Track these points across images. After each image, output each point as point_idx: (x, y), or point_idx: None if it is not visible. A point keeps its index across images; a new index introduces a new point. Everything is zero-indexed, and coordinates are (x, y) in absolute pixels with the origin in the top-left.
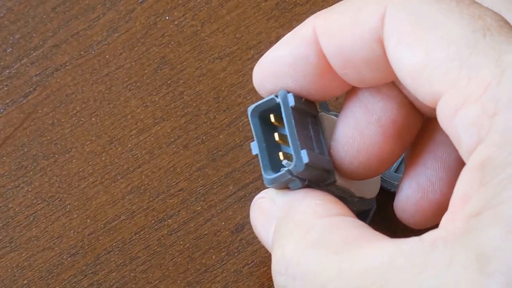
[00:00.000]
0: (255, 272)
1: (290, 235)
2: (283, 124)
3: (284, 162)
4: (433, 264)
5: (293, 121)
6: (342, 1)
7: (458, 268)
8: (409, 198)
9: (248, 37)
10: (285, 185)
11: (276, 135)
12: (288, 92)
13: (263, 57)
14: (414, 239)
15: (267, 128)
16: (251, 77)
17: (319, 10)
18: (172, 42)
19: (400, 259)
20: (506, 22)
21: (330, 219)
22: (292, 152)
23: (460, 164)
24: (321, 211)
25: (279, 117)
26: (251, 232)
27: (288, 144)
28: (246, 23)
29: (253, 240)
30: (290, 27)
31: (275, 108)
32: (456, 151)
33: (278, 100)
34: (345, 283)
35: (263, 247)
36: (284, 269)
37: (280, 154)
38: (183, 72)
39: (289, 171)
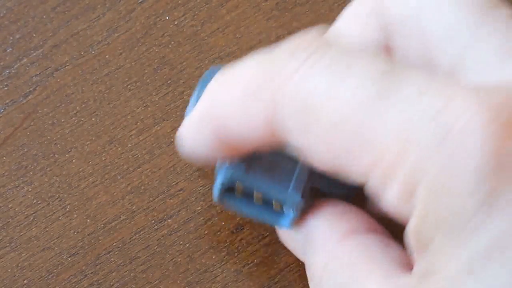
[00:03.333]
0: (255, 272)
1: (315, 266)
2: (253, 187)
3: (285, 210)
4: None
5: (260, 178)
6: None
7: None
8: None
9: (248, 37)
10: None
11: (255, 199)
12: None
13: None
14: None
15: (243, 198)
16: None
17: (319, 10)
18: (172, 42)
19: None
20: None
21: (344, 243)
22: (282, 201)
23: None
24: (336, 232)
25: (243, 185)
26: (251, 232)
27: (271, 197)
28: (246, 23)
29: (253, 240)
30: (290, 27)
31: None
32: None
33: (231, 170)
34: None
35: (263, 247)
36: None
37: (273, 204)
38: (183, 72)
39: (295, 211)
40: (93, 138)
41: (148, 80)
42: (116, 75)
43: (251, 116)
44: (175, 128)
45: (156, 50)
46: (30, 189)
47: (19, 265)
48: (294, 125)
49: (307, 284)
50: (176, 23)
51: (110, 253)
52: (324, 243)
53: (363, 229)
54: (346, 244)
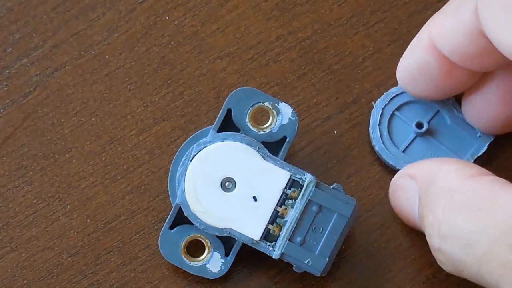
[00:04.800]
0: (255, 271)
1: (438, 200)
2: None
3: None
4: None
5: None
6: (448, 2)
7: None
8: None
9: (248, 37)
10: None
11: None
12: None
13: (399, 64)
14: None
15: None
16: (251, 77)
17: (319, 10)
18: (172, 42)
19: None
20: None
21: (472, 181)
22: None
23: None
24: (462, 174)
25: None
26: None
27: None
28: (246, 23)
29: None
30: (290, 27)
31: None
32: None
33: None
34: (490, 238)
35: None
36: (436, 231)
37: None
38: (183, 72)
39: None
40: (93, 138)
41: (148, 80)
42: (116, 75)
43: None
44: (175, 128)
45: (156, 50)
46: (30, 189)
47: (19, 265)
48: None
49: (307, 284)
50: (176, 23)
51: (110, 253)
52: (449, 183)
53: (487, 173)
54: (473, 182)
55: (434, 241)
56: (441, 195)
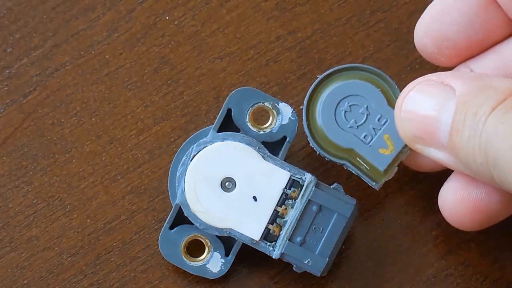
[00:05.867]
0: (255, 271)
1: (487, 100)
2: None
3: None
4: None
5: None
6: None
7: None
8: None
9: (248, 37)
10: None
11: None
12: None
13: (426, 12)
14: None
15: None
16: (251, 77)
17: (319, 10)
18: (172, 42)
19: None
20: None
21: None
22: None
23: None
24: None
25: None
26: None
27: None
28: (246, 23)
29: None
30: (290, 27)
31: None
32: None
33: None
34: None
35: None
36: (474, 130)
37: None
38: (183, 72)
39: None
40: (93, 138)
41: (148, 80)
42: (116, 75)
43: None
44: (175, 128)
45: (156, 50)
46: (30, 189)
47: (19, 265)
48: None
49: (307, 284)
50: (176, 23)
51: (110, 253)
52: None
53: None
54: None
55: (464, 135)
56: (492, 95)
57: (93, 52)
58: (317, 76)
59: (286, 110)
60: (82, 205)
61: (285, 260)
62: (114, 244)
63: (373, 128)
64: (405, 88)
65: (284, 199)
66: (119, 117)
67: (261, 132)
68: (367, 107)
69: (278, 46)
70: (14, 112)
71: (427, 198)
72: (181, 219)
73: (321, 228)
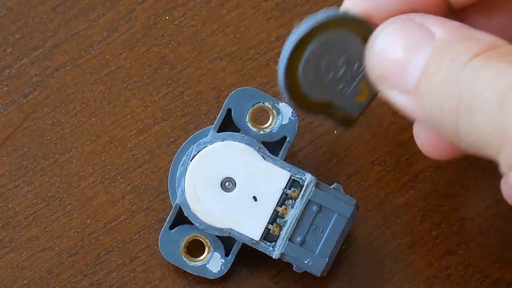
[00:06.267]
0: (255, 271)
1: (469, 48)
2: None
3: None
4: None
5: None
6: None
7: None
8: None
9: (248, 37)
10: None
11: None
12: None
13: None
14: None
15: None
16: (251, 77)
17: (319, 10)
18: (172, 42)
19: None
20: None
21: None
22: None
23: None
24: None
25: None
26: None
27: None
28: (246, 23)
29: None
30: (290, 27)
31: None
32: None
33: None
34: None
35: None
36: (450, 73)
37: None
38: (183, 72)
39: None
40: (93, 138)
41: (148, 80)
42: (116, 75)
43: None
44: (175, 128)
45: (156, 50)
46: (30, 189)
47: (19, 265)
48: None
49: (307, 284)
50: (176, 23)
51: (110, 253)
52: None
53: None
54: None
55: (448, 86)
56: (473, 43)
57: (93, 52)
58: (294, 27)
59: (286, 110)
60: (82, 205)
61: (285, 260)
62: (114, 244)
63: (351, 76)
64: (381, 25)
65: (284, 199)
66: (119, 117)
67: (261, 132)
68: (346, 56)
69: (278, 46)
70: (14, 112)
71: (427, 198)
72: (181, 219)
73: (321, 228)
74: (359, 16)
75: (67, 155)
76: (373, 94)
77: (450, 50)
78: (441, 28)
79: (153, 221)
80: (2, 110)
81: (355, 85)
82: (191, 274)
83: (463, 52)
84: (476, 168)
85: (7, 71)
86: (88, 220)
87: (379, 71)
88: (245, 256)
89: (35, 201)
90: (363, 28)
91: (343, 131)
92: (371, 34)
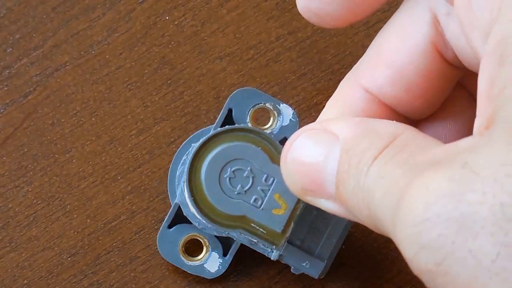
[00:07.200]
0: (255, 271)
1: (371, 146)
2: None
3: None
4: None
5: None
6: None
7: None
8: None
9: (248, 37)
10: None
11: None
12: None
13: None
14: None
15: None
16: (251, 77)
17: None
18: (172, 42)
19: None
20: None
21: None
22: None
23: None
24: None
25: None
26: None
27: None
28: (246, 23)
29: None
30: (290, 27)
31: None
32: None
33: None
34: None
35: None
36: (357, 181)
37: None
38: (183, 72)
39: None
40: (93, 138)
41: (148, 80)
42: (116, 75)
43: None
44: (175, 128)
45: (156, 50)
46: (30, 189)
47: (19, 265)
48: None
49: (307, 284)
50: (176, 23)
51: (110, 253)
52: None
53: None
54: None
55: (349, 181)
56: (376, 143)
57: (93, 52)
58: (197, 142)
59: (287, 111)
60: (82, 205)
61: (283, 262)
62: (114, 244)
63: (262, 190)
64: (288, 139)
65: None
66: (119, 117)
67: None
68: (251, 169)
69: (278, 46)
70: (14, 112)
71: None
72: (180, 218)
73: (320, 230)
74: (255, 128)
75: (67, 155)
76: (292, 206)
77: (355, 152)
78: (343, 128)
79: (153, 221)
80: (2, 110)
81: (268, 196)
82: (191, 274)
83: (366, 152)
84: None
85: (7, 71)
86: (88, 220)
87: (300, 185)
88: (245, 256)
89: (35, 201)
90: (261, 138)
91: (272, 254)
92: (272, 144)
